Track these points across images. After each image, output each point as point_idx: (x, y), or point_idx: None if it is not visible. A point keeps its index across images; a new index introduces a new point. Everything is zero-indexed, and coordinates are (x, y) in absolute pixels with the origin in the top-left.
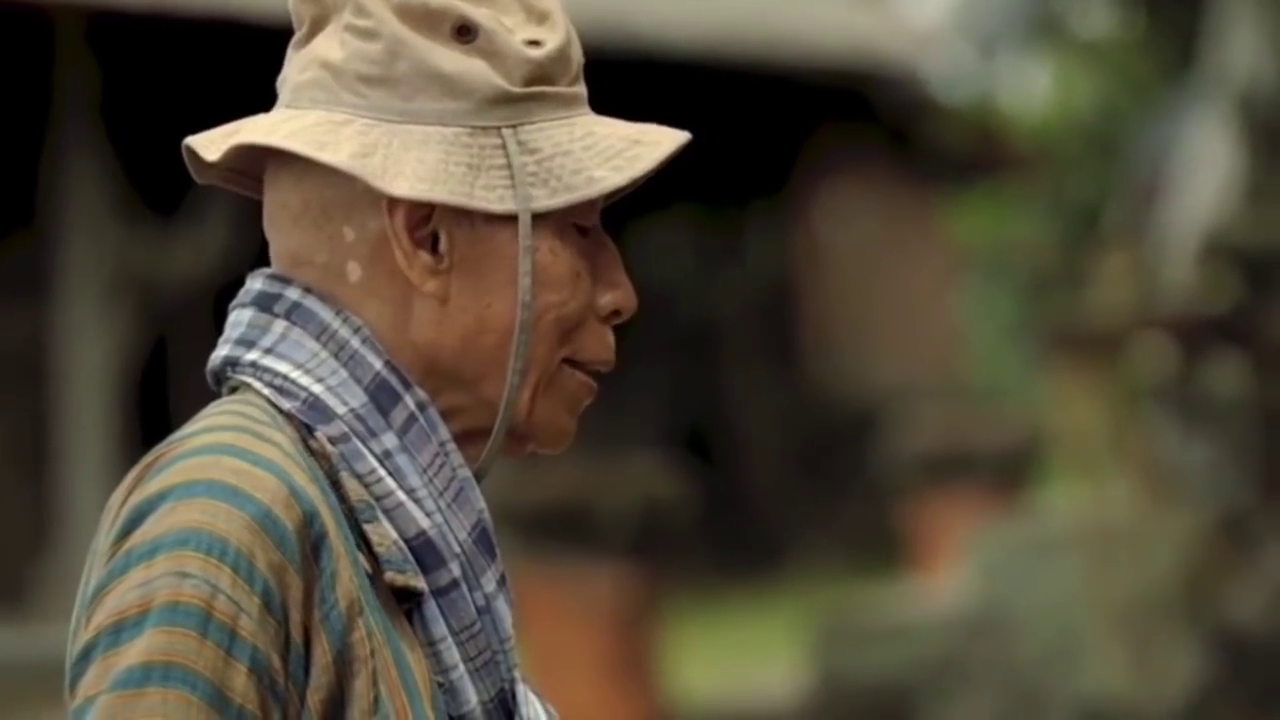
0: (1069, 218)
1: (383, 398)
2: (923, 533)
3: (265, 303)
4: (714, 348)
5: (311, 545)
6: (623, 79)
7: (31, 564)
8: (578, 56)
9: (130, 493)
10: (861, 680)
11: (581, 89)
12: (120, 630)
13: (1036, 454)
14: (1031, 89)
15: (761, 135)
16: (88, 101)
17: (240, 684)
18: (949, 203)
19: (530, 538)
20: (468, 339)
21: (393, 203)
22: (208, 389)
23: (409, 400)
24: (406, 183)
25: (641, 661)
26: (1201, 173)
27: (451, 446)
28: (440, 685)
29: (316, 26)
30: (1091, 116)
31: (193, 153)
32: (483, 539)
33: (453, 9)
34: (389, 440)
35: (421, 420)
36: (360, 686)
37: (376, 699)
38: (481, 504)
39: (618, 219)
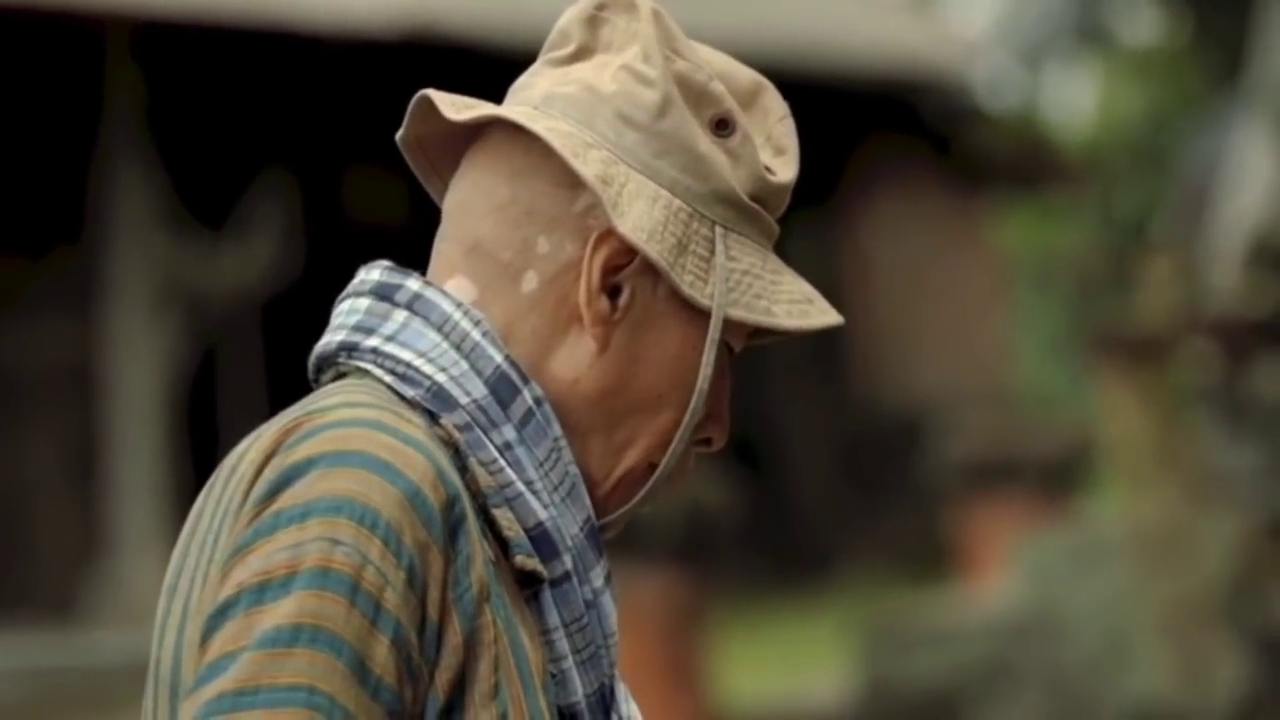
0: (1115, 226)
1: (503, 390)
2: (970, 540)
3: (385, 292)
4: (761, 358)
5: (452, 527)
6: None
7: (81, 574)
8: (788, 200)
9: (270, 455)
10: (909, 685)
11: (778, 230)
12: (266, 589)
13: (1084, 460)
14: (1078, 98)
15: (807, 145)
16: (135, 113)
17: (381, 655)
18: (995, 212)
19: None
20: (604, 394)
21: (603, 237)
22: (255, 400)
23: (527, 394)
24: (630, 224)
25: (689, 667)
26: (1247, 179)
27: (564, 443)
28: (552, 675)
29: (585, 53)
30: (1138, 125)
31: (419, 107)
32: (591, 535)
33: (723, 101)
34: (508, 432)
35: (539, 415)
36: (483, 670)
37: (497, 685)
38: (589, 502)
39: None
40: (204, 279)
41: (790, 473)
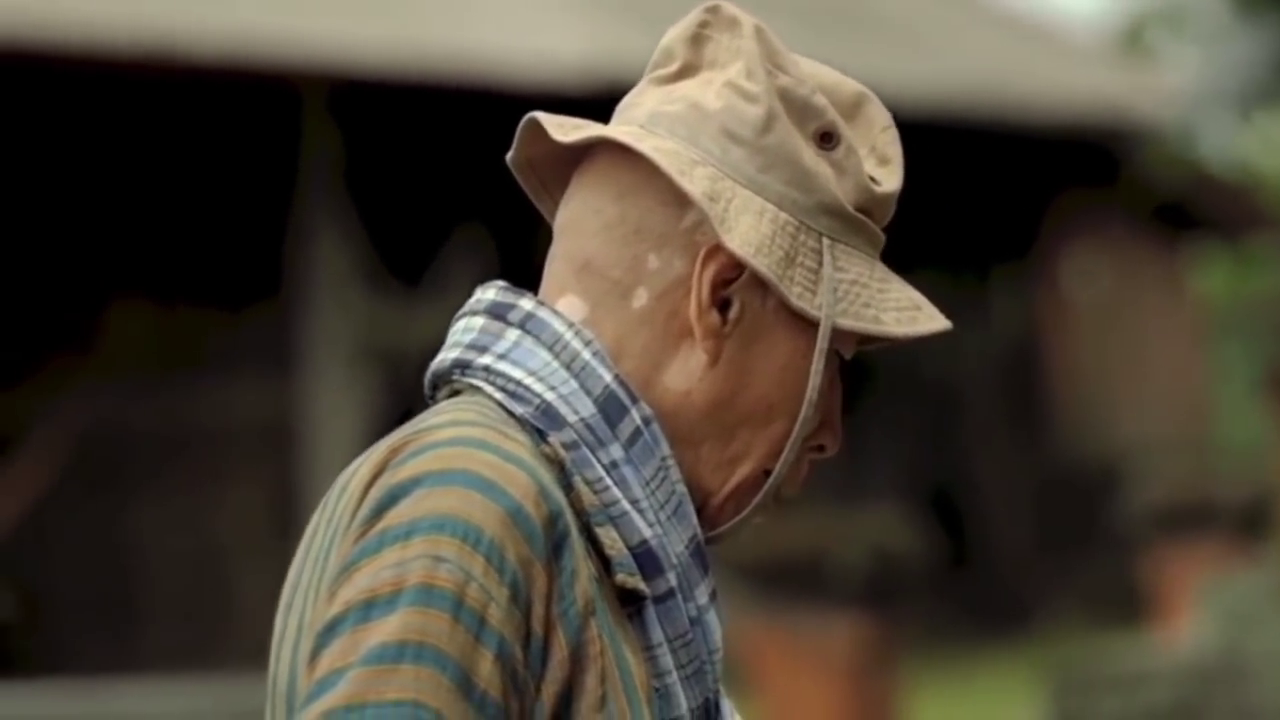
0: None
1: (611, 409)
2: (1163, 585)
3: (499, 311)
4: (959, 409)
5: (555, 543)
6: None
7: None
8: (893, 209)
9: (377, 474)
10: None
11: (884, 239)
12: (372, 606)
13: (1276, 505)
14: (1274, 149)
15: (1008, 196)
16: (333, 171)
17: (486, 670)
18: (1196, 260)
19: (764, 591)
20: (715, 406)
21: (711, 253)
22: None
23: (635, 414)
24: (739, 239)
25: (878, 713)
26: None
27: (671, 462)
28: (656, 690)
29: (689, 71)
30: None
31: (528, 130)
32: (697, 553)
33: (827, 114)
34: (615, 451)
35: (646, 434)
36: (590, 683)
37: (604, 697)
38: (696, 520)
39: None
40: (402, 336)
41: (989, 523)
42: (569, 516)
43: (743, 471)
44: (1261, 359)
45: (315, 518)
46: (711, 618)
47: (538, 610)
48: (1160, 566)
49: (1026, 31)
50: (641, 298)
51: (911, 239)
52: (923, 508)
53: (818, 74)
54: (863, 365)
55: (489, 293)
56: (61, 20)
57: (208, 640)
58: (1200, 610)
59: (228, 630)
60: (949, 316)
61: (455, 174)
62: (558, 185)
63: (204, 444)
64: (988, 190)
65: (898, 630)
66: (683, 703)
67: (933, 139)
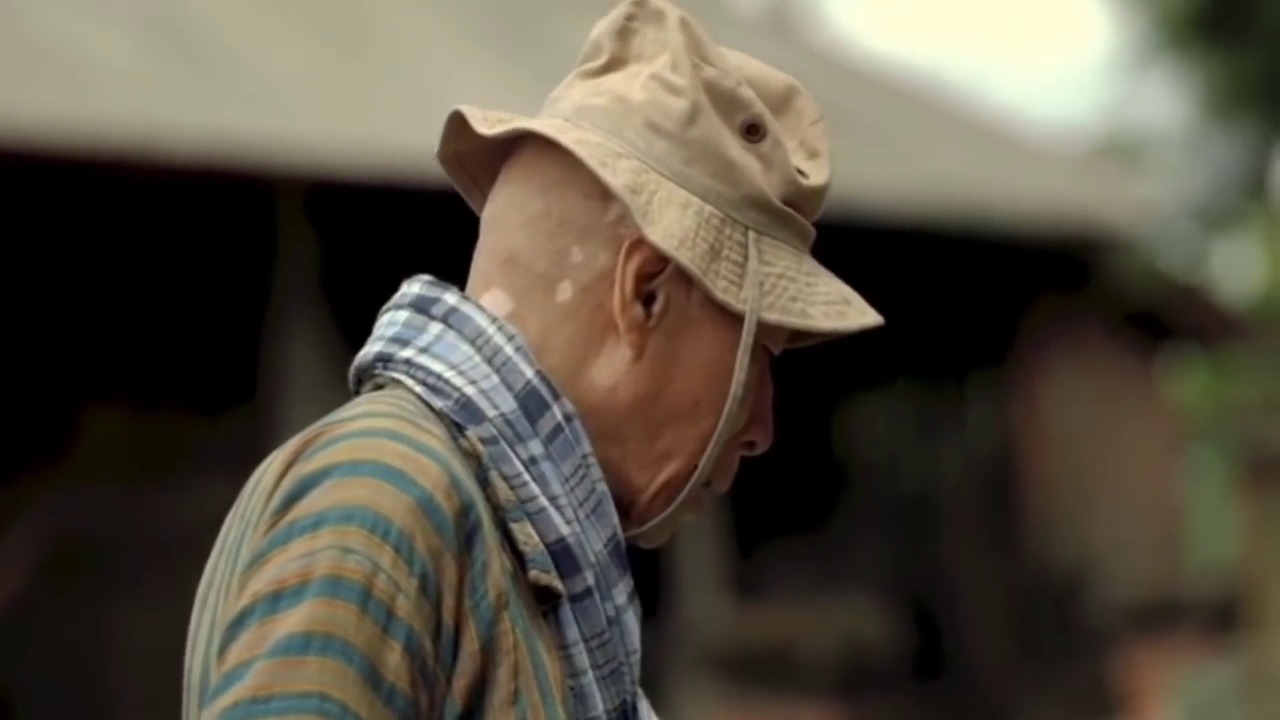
0: None
1: (532, 405)
2: (1136, 681)
3: (422, 305)
4: (935, 518)
5: (467, 535)
6: (841, 246)
7: None
8: (822, 203)
9: (289, 467)
10: None
11: (814, 233)
12: (279, 598)
13: (1247, 596)
14: (1251, 255)
15: (982, 306)
16: (308, 273)
17: (394, 662)
18: (1170, 369)
19: (736, 680)
20: (640, 401)
21: (635, 246)
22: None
23: (557, 410)
24: (661, 232)
25: None
26: None
27: (592, 460)
28: (571, 689)
29: (615, 64)
30: None
31: (453, 124)
32: (616, 552)
33: (753, 106)
34: (535, 447)
35: (567, 431)
36: (502, 677)
37: (516, 691)
38: (616, 519)
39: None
40: None
41: (964, 627)
42: (482, 509)
43: (671, 468)
44: (1234, 464)
45: (230, 515)
46: (630, 618)
47: (448, 602)
48: (1132, 664)
49: (1000, 139)
50: (566, 291)
51: (888, 348)
52: (898, 605)
53: (745, 66)
54: (840, 472)
55: (414, 287)
56: (34, 118)
57: None
58: (1170, 705)
59: None
60: (926, 424)
61: (430, 274)
62: (487, 180)
63: (179, 547)
64: (963, 298)
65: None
66: (599, 703)
67: (907, 245)
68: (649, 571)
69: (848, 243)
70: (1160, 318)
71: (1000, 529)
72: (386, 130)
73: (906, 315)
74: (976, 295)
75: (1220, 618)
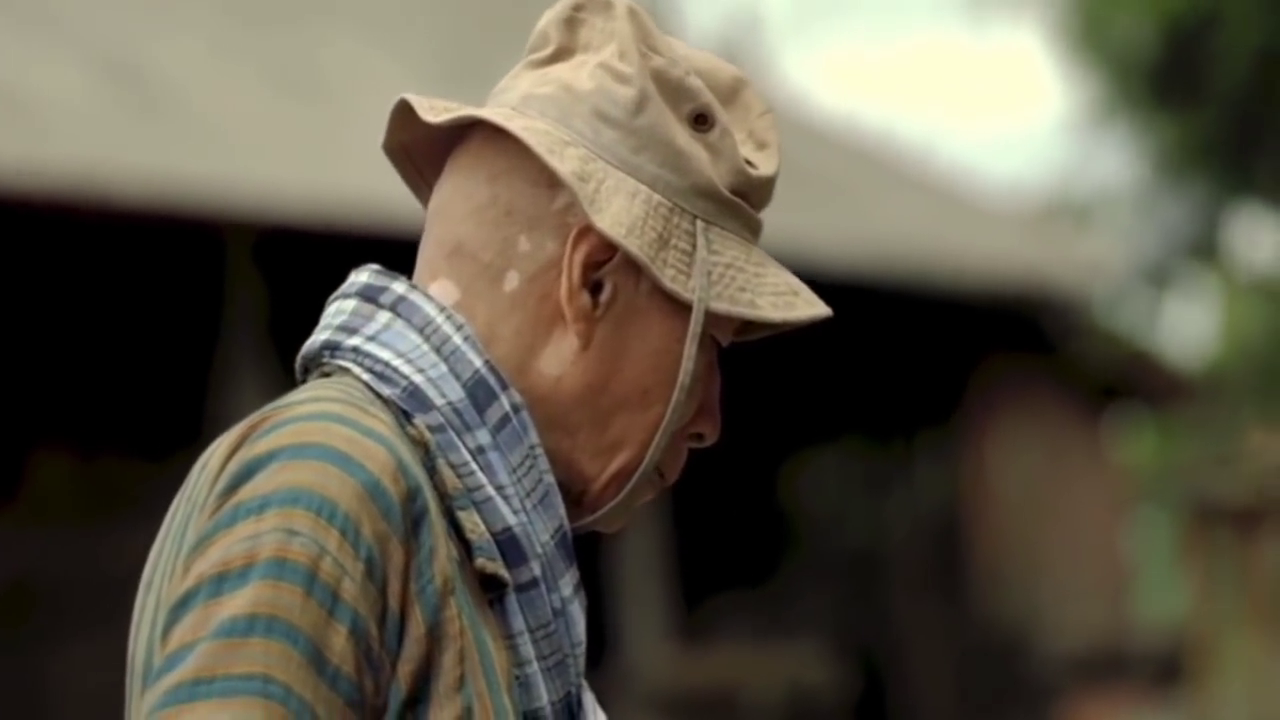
0: (1233, 444)
1: (480, 395)
2: None
3: (370, 294)
4: (882, 573)
5: (414, 520)
6: None
7: None
8: (771, 194)
9: (234, 450)
10: None
11: (762, 224)
12: (224, 580)
13: (1193, 646)
14: (1200, 316)
15: (930, 363)
16: (256, 318)
17: (339, 646)
18: (1117, 429)
19: None
20: (589, 390)
21: (582, 234)
22: None
23: (505, 400)
24: (609, 220)
25: None
26: None
27: (540, 451)
28: (516, 679)
29: (563, 54)
30: (1260, 345)
31: (399, 113)
32: (563, 544)
33: (701, 96)
34: (482, 436)
35: (515, 421)
36: (448, 663)
37: (461, 678)
38: (563, 511)
39: (791, 444)
40: None
41: (910, 683)
42: (428, 494)
43: (622, 458)
44: (1180, 518)
45: (177, 497)
46: (575, 610)
47: (394, 586)
48: (1077, 717)
49: (951, 197)
50: (513, 281)
51: (837, 403)
52: (844, 656)
53: (695, 57)
54: (788, 526)
55: (362, 276)
56: None
57: None
58: None
59: None
60: (874, 480)
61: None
62: (433, 172)
63: (127, 590)
64: (912, 355)
65: None
66: (544, 694)
67: (858, 301)
68: (594, 618)
69: None
70: (1108, 378)
71: (947, 584)
72: (337, 177)
73: (856, 371)
74: (926, 352)
75: (1165, 671)
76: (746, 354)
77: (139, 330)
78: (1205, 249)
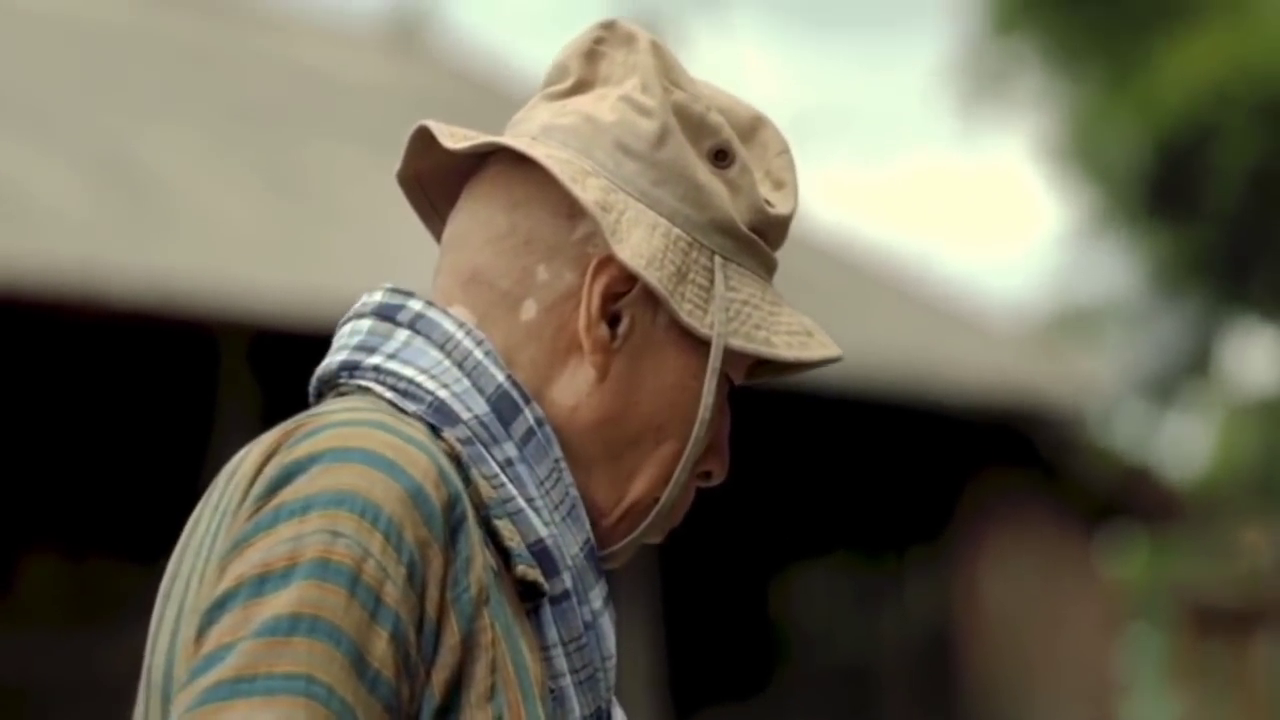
0: (1230, 561)
1: (504, 408)
2: None
3: (387, 313)
4: (872, 689)
5: (453, 528)
6: (784, 413)
7: None
8: (786, 234)
9: (269, 456)
10: None
11: (777, 263)
12: (265, 580)
13: None
14: (1195, 434)
15: (922, 478)
16: (249, 419)
17: (380, 649)
18: (1110, 547)
19: None
20: (603, 422)
21: (602, 265)
22: None
23: (529, 414)
24: (630, 250)
25: None
26: None
27: (564, 465)
28: (551, 691)
29: (583, 86)
30: (1256, 463)
31: (418, 140)
32: (591, 556)
33: (722, 132)
34: (510, 449)
35: (540, 434)
36: (480, 672)
37: (493, 687)
38: (589, 524)
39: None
40: None
41: None
42: (466, 502)
43: (635, 493)
44: (1173, 634)
45: (198, 509)
46: (605, 623)
47: (432, 593)
48: None
49: (946, 312)
50: (530, 310)
51: (828, 518)
52: None
53: (714, 94)
54: (778, 641)
55: (376, 295)
56: None
57: None
58: None
59: None
60: (864, 596)
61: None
62: (446, 203)
63: (117, 696)
64: (904, 470)
65: None
66: (576, 708)
67: (850, 415)
68: None
69: (790, 410)
70: (1102, 495)
71: (938, 700)
72: (329, 279)
73: (848, 485)
74: (918, 467)
75: None
76: (740, 464)
77: (131, 431)
78: (1200, 364)
